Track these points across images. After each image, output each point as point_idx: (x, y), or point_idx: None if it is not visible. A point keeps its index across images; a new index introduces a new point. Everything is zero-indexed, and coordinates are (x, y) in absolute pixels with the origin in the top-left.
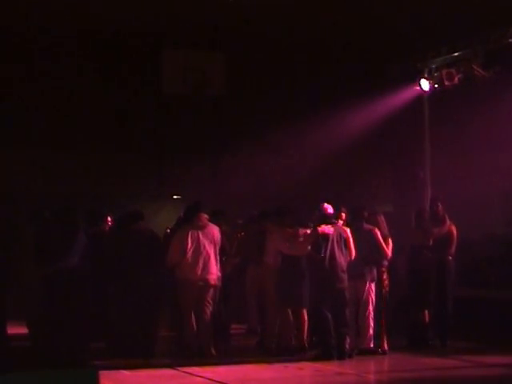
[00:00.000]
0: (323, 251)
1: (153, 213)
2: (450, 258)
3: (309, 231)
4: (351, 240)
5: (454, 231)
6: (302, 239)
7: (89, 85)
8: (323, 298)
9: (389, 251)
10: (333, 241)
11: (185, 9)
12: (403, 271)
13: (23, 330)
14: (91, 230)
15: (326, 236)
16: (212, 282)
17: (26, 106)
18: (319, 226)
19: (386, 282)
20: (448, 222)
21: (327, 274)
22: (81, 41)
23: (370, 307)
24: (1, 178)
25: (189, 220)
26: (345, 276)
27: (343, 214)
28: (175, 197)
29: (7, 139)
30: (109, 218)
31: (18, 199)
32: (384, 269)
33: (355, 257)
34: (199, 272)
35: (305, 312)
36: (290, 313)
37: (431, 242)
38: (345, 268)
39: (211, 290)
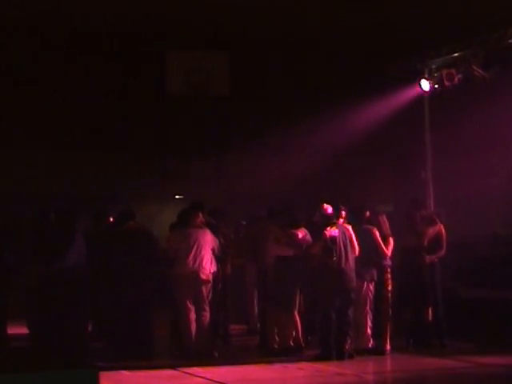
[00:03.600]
0: (334, 254)
1: (155, 213)
2: (437, 260)
3: (301, 232)
4: (354, 237)
5: (444, 232)
6: (292, 239)
7: (90, 85)
8: (332, 300)
9: (388, 251)
10: (339, 242)
11: (187, 9)
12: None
13: (23, 330)
14: (93, 229)
15: (333, 239)
16: (203, 277)
17: (26, 106)
18: (325, 228)
19: (389, 282)
20: (438, 222)
21: (340, 275)
22: (82, 41)
23: (368, 307)
24: (1, 178)
25: (184, 220)
26: (354, 275)
27: (343, 213)
28: (177, 197)
29: (7, 139)
30: (111, 219)
31: (18, 199)
32: (386, 269)
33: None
34: (190, 265)
35: (295, 313)
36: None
37: (426, 243)
38: (354, 267)
39: (204, 286)
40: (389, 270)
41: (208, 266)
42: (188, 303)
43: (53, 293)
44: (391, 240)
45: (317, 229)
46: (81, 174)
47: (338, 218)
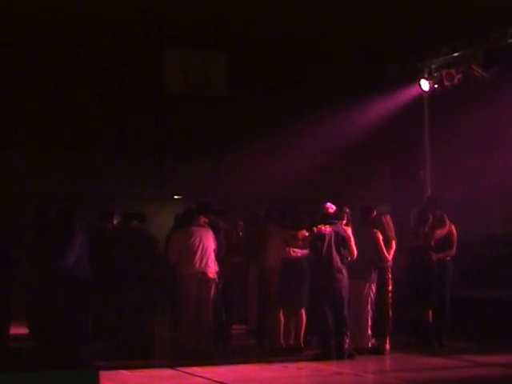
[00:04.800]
0: (319, 251)
1: (153, 213)
2: (449, 258)
3: (307, 233)
4: (352, 240)
5: (455, 232)
6: (301, 242)
7: (90, 85)
8: (322, 298)
9: (389, 255)
10: (329, 240)
11: (186, 9)
12: (403, 271)
13: (23, 330)
14: (99, 227)
15: (321, 236)
16: (210, 275)
17: (26, 106)
18: (317, 225)
19: (389, 282)
20: (448, 222)
21: (323, 273)
22: (82, 41)
23: (369, 307)
24: (1, 178)
25: (188, 220)
26: (341, 276)
27: (346, 214)
28: (176, 197)
29: (7, 139)
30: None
31: (18, 199)
32: (387, 269)
33: (358, 257)
34: (197, 265)
35: (303, 312)
36: (286, 313)
37: (433, 243)
38: (341, 268)
39: (210, 286)
40: (389, 270)
41: (213, 265)
42: (192, 303)
43: (53, 293)
44: (394, 244)
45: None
46: (80, 174)
47: (339, 219)
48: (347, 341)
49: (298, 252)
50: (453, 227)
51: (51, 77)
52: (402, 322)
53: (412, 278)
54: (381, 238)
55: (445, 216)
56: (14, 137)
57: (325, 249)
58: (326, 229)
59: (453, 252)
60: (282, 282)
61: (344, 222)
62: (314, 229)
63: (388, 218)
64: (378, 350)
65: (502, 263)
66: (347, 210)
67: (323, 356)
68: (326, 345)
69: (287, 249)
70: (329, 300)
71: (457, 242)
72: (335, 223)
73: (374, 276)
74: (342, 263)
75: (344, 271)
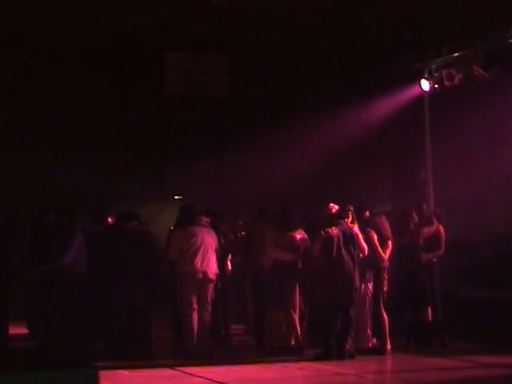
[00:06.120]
0: (330, 254)
1: (154, 213)
2: (435, 259)
3: (298, 234)
4: (360, 236)
5: (443, 232)
6: (290, 242)
7: (90, 85)
8: (332, 299)
9: (385, 255)
10: (338, 242)
11: (187, 10)
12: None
13: (23, 330)
14: (92, 229)
15: (330, 239)
16: (210, 276)
17: (26, 107)
18: (324, 228)
19: (385, 282)
20: (435, 222)
21: (338, 275)
22: (83, 41)
23: (367, 307)
24: (1, 179)
25: (189, 220)
26: (355, 275)
27: (350, 212)
28: (176, 197)
29: (7, 140)
30: (109, 219)
31: (18, 199)
32: (384, 269)
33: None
34: (199, 264)
35: (293, 313)
36: (283, 313)
37: (421, 242)
38: (354, 268)
39: (209, 286)
40: (386, 270)
41: (213, 266)
42: (193, 302)
43: (51, 291)
44: (390, 244)
45: (319, 228)
46: (81, 175)
47: (344, 218)
48: (350, 341)
49: (285, 254)
50: (440, 227)
51: (51, 77)
52: (401, 323)
53: (403, 279)
54: (376, 237)
55: (432, 216)
56: (14, 137)
57: (335, 251)
58: (333, 231)
59: (441, 252)
60: (271, 283)
61: (349, 219)
62: (322, 233)
63: (383, 218)
64: (378, 350)
65: (505, 263)
66: (351, 208)
67: (324, 356)
68: (326, 345)
69: (276, 250)
70: (337, 301)
71: (446, 242)
72: (340, 223)
73: (370, 276)
74: (354, 263)
75: (357, 271)
